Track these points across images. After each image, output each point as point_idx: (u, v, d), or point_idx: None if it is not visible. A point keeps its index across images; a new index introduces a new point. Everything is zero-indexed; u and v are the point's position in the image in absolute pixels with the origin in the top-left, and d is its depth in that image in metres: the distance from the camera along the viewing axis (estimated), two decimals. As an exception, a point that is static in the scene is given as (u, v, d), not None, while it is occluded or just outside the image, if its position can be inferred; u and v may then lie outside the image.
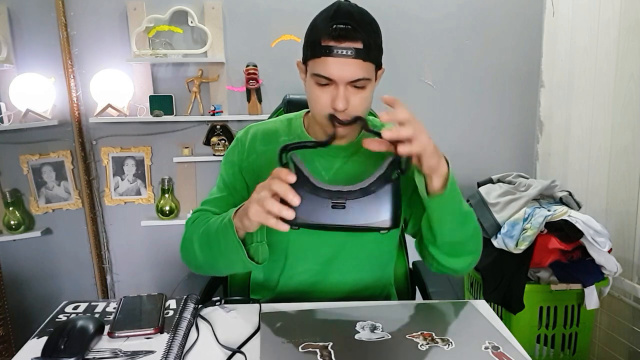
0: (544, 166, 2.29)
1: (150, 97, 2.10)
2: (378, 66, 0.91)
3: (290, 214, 0.75)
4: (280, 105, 1.32)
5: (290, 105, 1.27)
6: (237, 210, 0.86)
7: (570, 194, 1.76)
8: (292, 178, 0.77)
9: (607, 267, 1.59)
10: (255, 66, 2.09)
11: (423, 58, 2.24)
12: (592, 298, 1.62)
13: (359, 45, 0.84)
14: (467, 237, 0.92)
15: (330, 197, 0.79)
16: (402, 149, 0.75)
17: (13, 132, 2.07)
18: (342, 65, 0.85)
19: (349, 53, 0.84)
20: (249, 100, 2.14)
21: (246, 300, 0.97)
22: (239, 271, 1.03)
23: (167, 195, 2.21)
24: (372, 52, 0.87)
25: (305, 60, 0.92)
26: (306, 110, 1.07)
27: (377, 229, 0.80)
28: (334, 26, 0.84)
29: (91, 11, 2.07)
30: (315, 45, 0.86)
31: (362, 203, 0.79)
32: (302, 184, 0.78)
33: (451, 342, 0.75)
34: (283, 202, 0.76)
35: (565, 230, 1.59)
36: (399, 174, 0.81)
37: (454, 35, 2.23)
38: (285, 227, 0.77)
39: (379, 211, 0.79)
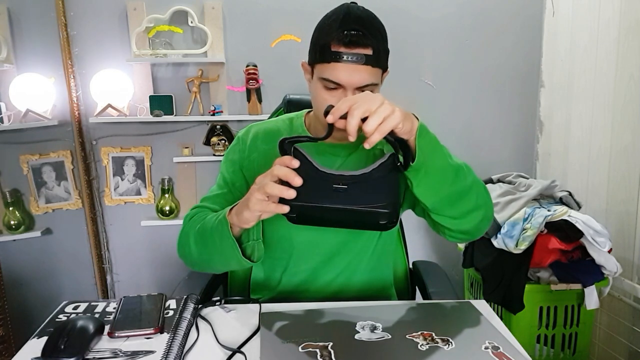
0: (544, 166, 2.29)
1: (150, 97, 2.10)
2: (384, 70, 0.92)
3: (291, 193, 0.75)
4: (280, 105, 1.32)
5: (290, 105, 1.27)
6: (232, 208, 0.87)
7: (570, 194, 1.76)
8: (295, 163, 0.77)
9: (607, 267, 1.59)
10: (255, 66, 2.09)
11: (423, 58, 2.24)
12: (592, 298, 1.62)
13: (369, 52, 0.84)
14: (464, 190, 0.87)
15: (332, 180, 0.79)
16: (367, 127, 0.72)
17: (13, 132, 2.07)
18: (351, 72, 0.85)
19: (359, 60, 0.84)
20: (249, 100, 2.14)
21: (246, 300, 0.97)
22: (235, 269, 1.03)
23: (167, 195, 2.21)
24: (381, 58, 0.87)
25: (312, 63, 0.91)
26: (307, 110, 1.07)
27: (377, 214, 0.79)
28: (345, 32, 0.83)
29: (91, 11, 2.07)
30: (325, 50, 0.86)
31: (363, 187, 0.80)
32: (304, 169, 0.78)
33: (451, 342, 0.75)
34: (284, 185, 0.77)
35: (565, 230, 1.59)
36: (399, 165, 0.81)
37: (454, 35, 2.23)
38: (285, 209, 0.77)
39: (379, 195, 0.79)
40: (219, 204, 1.01)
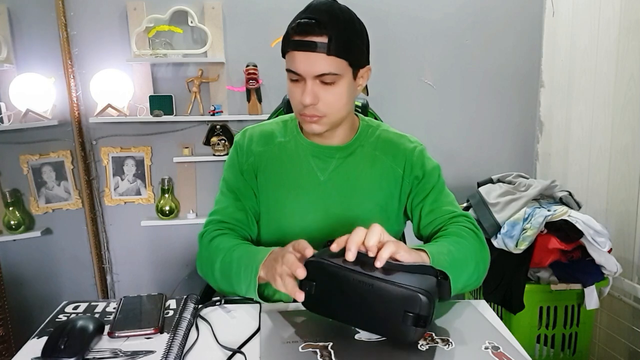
0: (544, 166, 2.29)
1: (150, 97, 2.10)
2: (354, 63, 0.91)
3: (300, 297, 0.76)
4: (280, 105, 1.32)
5: (290, 105, 1.27)
6: (263, 262, 0.87)
7: (570, 194, 1.75)
8: (309, 252, 0.77)
9: (607, 267, 1.59)
10: (255, 66, 2.09)
11: (423, 58, 2.24)
12: (592, 298, 1.62)
13: (324, 40, 0.85)
14: (466, 274, 0.90)
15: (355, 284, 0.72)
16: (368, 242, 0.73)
17: (13, 132, 2.07)
18: (306, 59, 0.87)
19: (311, 47, 0.86)
20: (249, 100, 2.14)
21: (246, 300, 0.97)
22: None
23: (167, 195, 2.20)
24: (340, 47, 0.86)
25: (283, 58, 0.94)
26: None
27: (413, 296, 0.69)
28: (299, 21, 0.86)
29: (91, 11, 2.07)
30: (285, 40, 0.89)
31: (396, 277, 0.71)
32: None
33: (451, 342, 0.75)
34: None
35: (565, 230, 1.59)
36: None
37: (454, 36, 2.23)
38: (300, 297, 0.76)
39: (416, 280, 0.70)
40: (230, 216, 1.01)
